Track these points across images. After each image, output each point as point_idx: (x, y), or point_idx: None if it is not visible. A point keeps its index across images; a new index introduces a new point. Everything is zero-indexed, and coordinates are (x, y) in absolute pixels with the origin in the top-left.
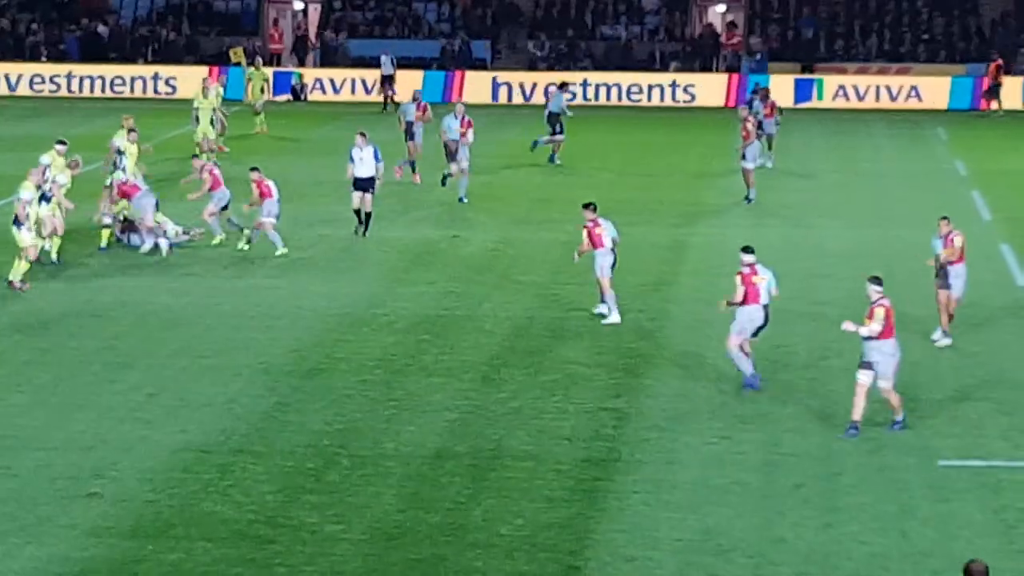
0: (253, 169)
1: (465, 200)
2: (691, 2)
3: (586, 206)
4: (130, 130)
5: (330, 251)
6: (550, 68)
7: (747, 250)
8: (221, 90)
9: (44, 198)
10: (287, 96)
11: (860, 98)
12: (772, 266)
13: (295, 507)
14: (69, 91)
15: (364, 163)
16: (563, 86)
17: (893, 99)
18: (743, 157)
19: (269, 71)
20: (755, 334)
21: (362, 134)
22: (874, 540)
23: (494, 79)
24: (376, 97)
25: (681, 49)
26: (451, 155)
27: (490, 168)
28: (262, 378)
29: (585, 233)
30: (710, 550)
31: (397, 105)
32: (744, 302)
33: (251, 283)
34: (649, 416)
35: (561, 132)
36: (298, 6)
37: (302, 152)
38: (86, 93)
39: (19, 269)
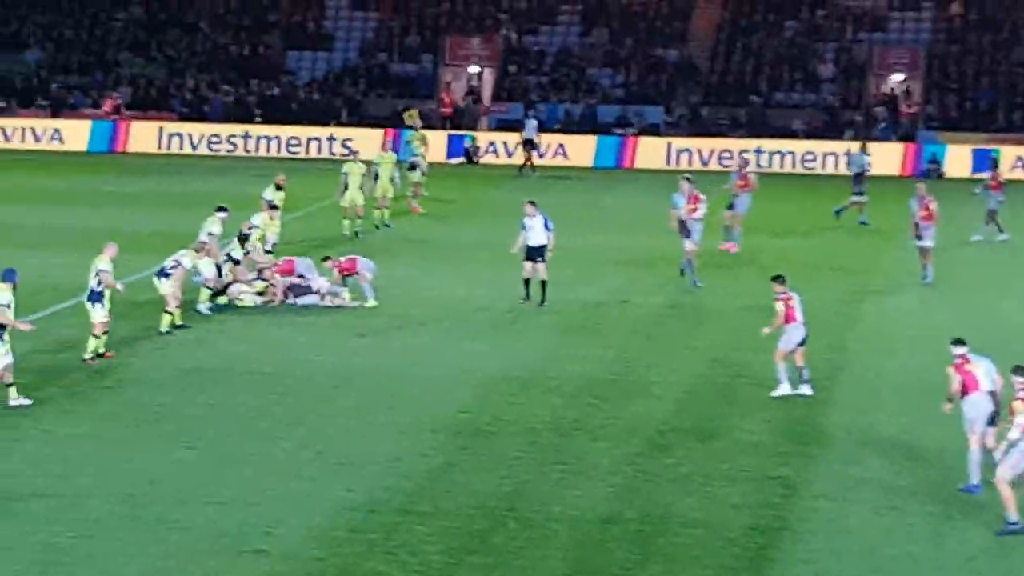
0: (325, 259)
1: (699, 284)
2: (868, 71)
3: (775, 279)
4: (272, 207)
5: (498, 313)
6: (723, 134)
7: (958, 343)
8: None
9: (163, 274)
10: (460, 159)
11: None
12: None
13: (461, 569)
14: (246, 151)
15: (534, 232)
16: (863, 147)
17: None
18: (919, 237)
19: (430, 133)
20: (991, 422)
21: (531, 203)
22: None
23: (668, 145)
24: (536, 160)
25: (857, 117)
26: (685, 232)
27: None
28: (429, 438)
29: (780, 307)
30: None
31: (534, 169)
32: (965, 392)
33: (418, 344)
34: (817, 485)
35: (862, 194)
36: (473, 70)
37: (471, 214)
38: (262, 152)
39: (165, 320)
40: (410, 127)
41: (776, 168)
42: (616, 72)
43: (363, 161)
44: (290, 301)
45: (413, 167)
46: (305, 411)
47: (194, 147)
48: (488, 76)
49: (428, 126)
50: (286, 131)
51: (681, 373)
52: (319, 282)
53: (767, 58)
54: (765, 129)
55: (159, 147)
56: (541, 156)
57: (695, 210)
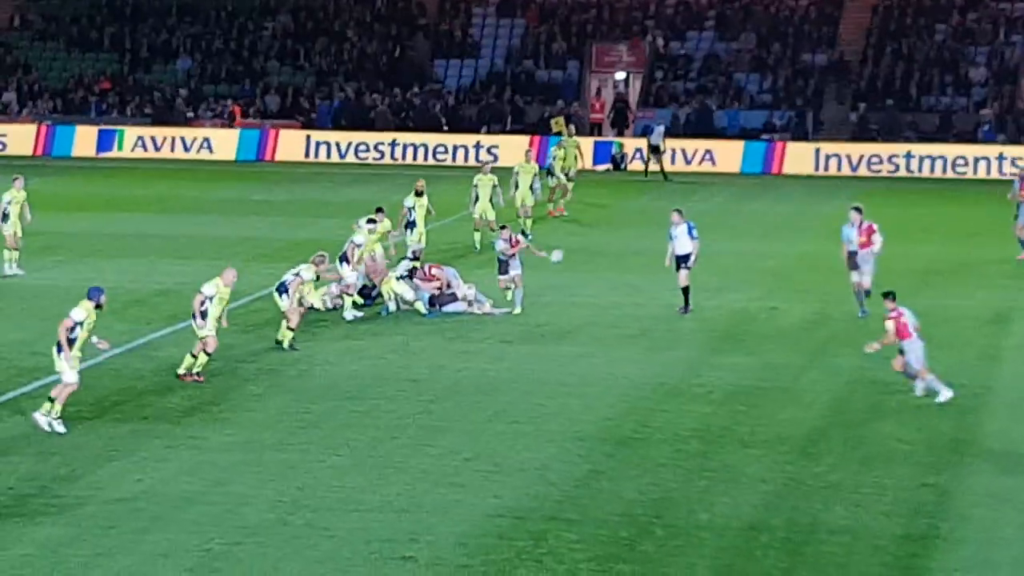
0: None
1: (866, 313)
2: (1020, 73)
3: (886, 295)
4: (370, 221)
5: (645, 320)
6: (872, 139)
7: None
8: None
9: (283, 289)
10: (607, 165)
11: None
12: None
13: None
14: (392, 158)
15: (679, 240)
16: None
17: None
18: None
19: (583, 140)
20: None
21: (678, 211)
22: None
23: (816, 150)
24: (663, 165)
25: (1009, 121)
26: (853, 264)
27: (811, 237)
28: (576, 445)
29: (891, 324)
30: None
31: (665, 175)
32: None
33: (565, 351)
34: (971, 493)
35: None
36: (620, 76)
37: (617, 222)
38: (408, 161)
39: (286, 336)
40: (558, 134)
41: (927, 173)
42: (763, 77)
43: (493, 171)
44: (436, 310)
45: (550, 173)
46: (452, 419)
47: (342, 155)
48: (635, 82)
49: (576, 133)
50: (433, 138)
51: (830, 381)
52: (464, 289)
53: (918, 62)
54: (914, 134)
55: (306, 155)
56: (658, 160)
57: (868, 243)
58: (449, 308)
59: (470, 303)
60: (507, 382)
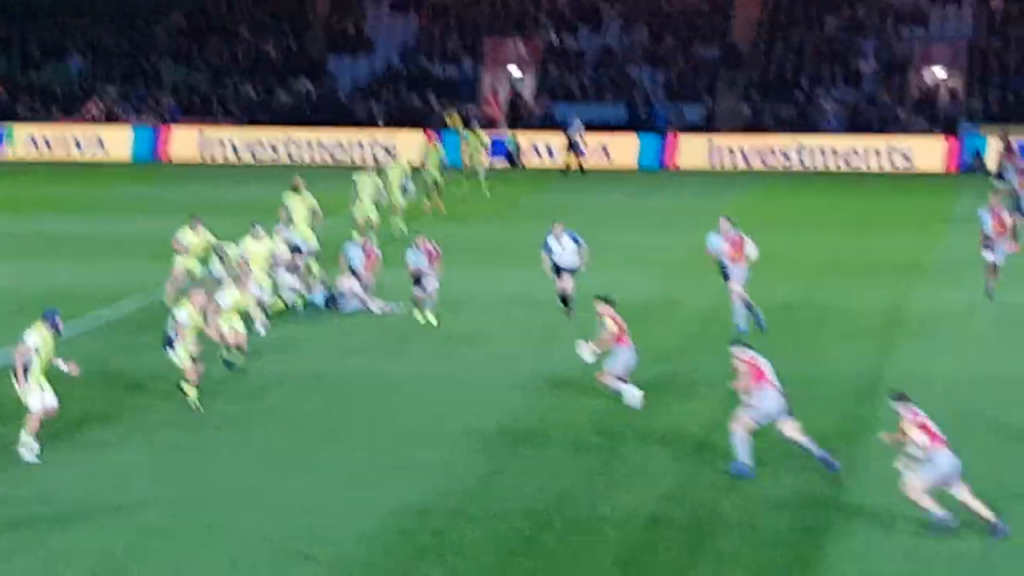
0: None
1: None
2: (910, 65)
3: (600, 298)
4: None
5: (543, 316)
6: (766, 131)
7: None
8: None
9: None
10: (503, 161)
11: None
12: None
13: (509, 570)
14: (288, 156)
15: (565, 253)
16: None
17: None
18: (989, 248)
19: (486, 135)
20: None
21: (559, 224)
22: None
23: (710, 141)
24: (584, 162)
25: (900, 112)
26: (724, 275)
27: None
28: (476, 442)
29: (610, 323)
30: None
31: (583, 171)
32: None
33: (464, 349)
34: (864, 483)
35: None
36: (515, 73)
37: (514, 216)
38: (307, 160)
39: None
40: (452, 128)
41: (820, 165)
42: (656, 70)
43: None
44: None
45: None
46: (353, 417)
47: (237, 153)
48: (529, 77)
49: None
50: (327, 135)
51: (727, 374)
52: (349, 284)
53: (808, 54)
54: (805, 125)
55: (201, 154)
56: (581, 155)
57: (739, 257)
58: (348, 308)
59: (363, 301)
60: (407, 380)
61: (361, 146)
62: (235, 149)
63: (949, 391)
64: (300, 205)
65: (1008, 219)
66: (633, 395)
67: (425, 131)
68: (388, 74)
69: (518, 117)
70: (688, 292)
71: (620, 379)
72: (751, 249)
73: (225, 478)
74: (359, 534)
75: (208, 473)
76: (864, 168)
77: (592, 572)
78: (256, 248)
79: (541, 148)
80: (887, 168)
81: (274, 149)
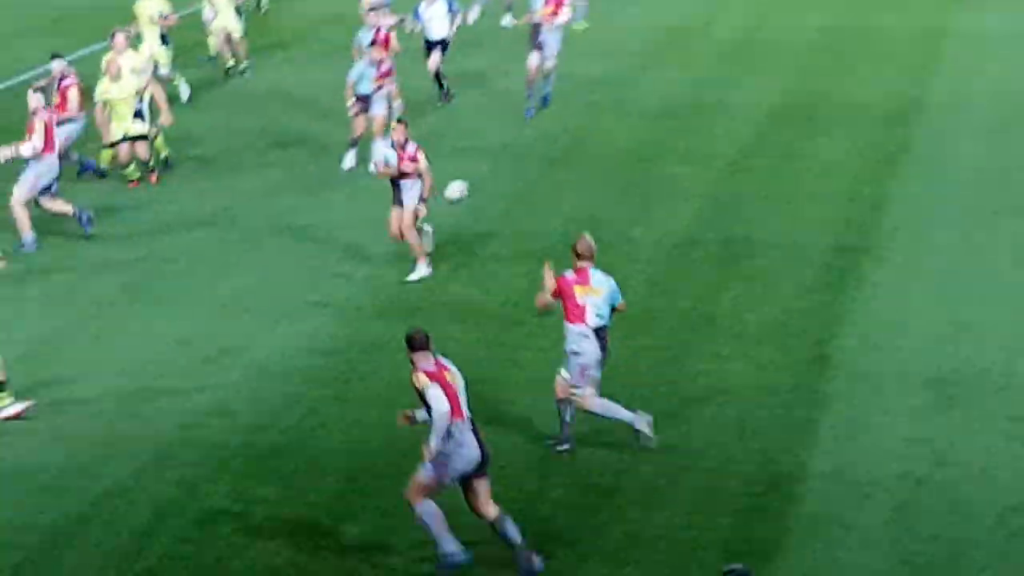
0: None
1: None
2: None
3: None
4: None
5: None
6: None
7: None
8: None
9: None
10: None
11: None
12: None
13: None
14: None
15: (435, 22)
16: None
17: None
18: None
19: None
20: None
21: None
22: None
23: None
24: None
25: None
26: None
27: None
28: (512, 160)
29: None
30: (962, 339)
31: None
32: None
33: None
34: (902, 204)
35: None
36: None
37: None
38: None
39: None
40: None
41: None
42: None
43: None
44: None
45: None
46: None
47: None
48: None
49: None
50: None
51: (763, 97)
52: None
53: None
54: None
55: None
56: None
57: (555, 14)
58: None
59: None
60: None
61: None
62: None
63: None
64: None
65: None
66: None
67: None
68: None
69: None
70: (727, 13)
71: None
72: (566, 10)
73: None
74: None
75: None
76: None
77: (623, 291)
78: None
79: None
80: None
81: None
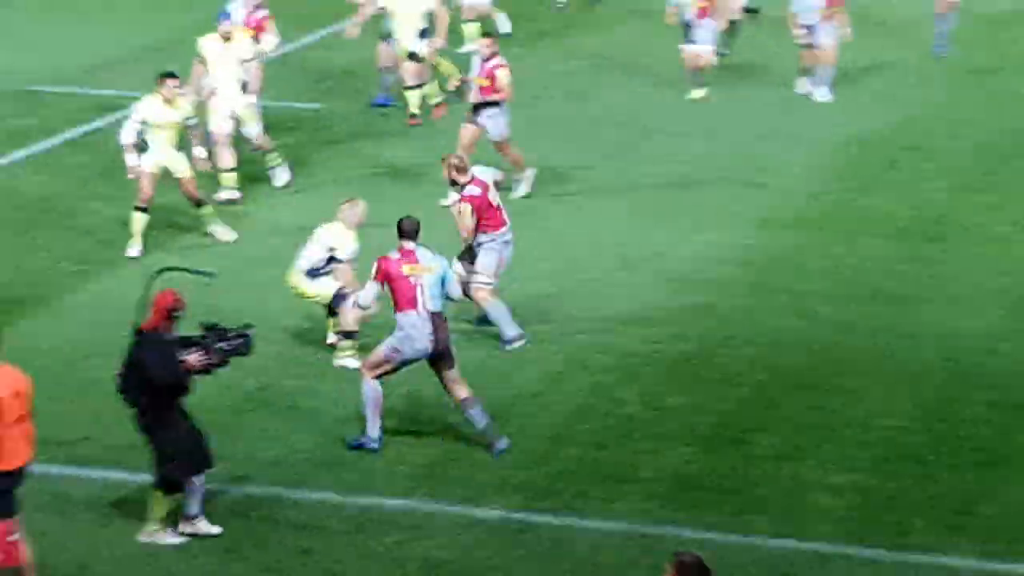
0: None
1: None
2: None
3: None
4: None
5: None
6: None
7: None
8: None
9: None
10: None
11: None
12: None
13: (962, 206)
14: None
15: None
16: None
17: None
18: None
19: None
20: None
21: None
22: None
23: None
24: None
25: None
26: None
27: None
28: None
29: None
30: None
31: None
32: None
33: None
34: None
35: None
36: None
37: None
38: None
39: None
40: None
41: None
42: None
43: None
44: None
45: None
46: None
47: None
48: None
49: None
50: None
51: None
52: None
53: None
54: None
55: None
56: None
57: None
58: None
59: None
60: None
61: None
62: None
63: None
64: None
65: None
66: None
67: None
68: None
69: None
70: None
71: None
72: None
73: None
74: (806, 168)
75: None
76: None
77: None
78: None
79: None
80: None
81: None
